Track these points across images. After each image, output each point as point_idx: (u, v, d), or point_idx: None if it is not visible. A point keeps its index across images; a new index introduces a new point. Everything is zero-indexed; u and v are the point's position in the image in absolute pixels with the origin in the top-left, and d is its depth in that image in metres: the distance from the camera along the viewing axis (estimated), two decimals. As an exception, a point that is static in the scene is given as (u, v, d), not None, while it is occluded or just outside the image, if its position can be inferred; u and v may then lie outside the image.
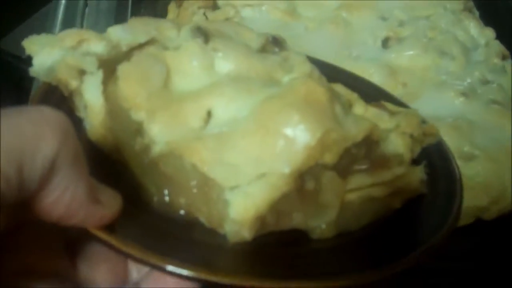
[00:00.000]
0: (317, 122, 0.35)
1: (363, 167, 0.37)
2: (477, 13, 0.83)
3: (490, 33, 0.80)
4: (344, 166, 0.36)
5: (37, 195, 0.29)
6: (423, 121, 0.41)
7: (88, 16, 0.71)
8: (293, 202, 0.36)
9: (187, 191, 0.36)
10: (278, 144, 0.35)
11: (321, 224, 0.37)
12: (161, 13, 0.77)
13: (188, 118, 0.37)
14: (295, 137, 0.34)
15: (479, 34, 0.79)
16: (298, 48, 0.73)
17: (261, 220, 0.35)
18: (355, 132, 0.36)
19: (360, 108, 0.39)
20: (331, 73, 0.43)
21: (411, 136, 0.39)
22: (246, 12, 0.76)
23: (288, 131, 0.35)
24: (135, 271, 0.37)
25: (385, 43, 0.77)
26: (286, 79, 0.40)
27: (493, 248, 0.58)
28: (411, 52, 0.75)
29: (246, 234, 0.35)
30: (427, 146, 0.41)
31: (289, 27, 0.77)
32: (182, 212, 0.37)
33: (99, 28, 0.70)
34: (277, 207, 0.35)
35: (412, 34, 0.77)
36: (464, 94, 0.70)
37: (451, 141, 0.63)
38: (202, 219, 0.36)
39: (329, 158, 0.35)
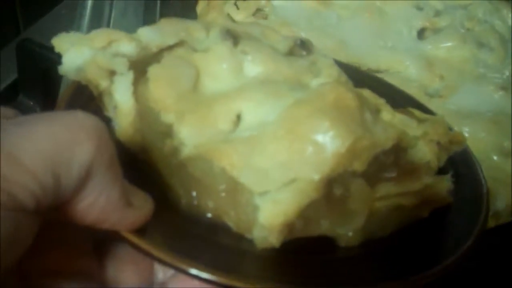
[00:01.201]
0: (347, 128, 0.34)
1: (392, 175, 0.36)
2: (514, 1, 0.80)
3: (527, 23, 0.77)
4: (372, 173, 0.36)
5: (71, 200, 0.29)
6: (450, 128, 0.40)
7: (117, 3, 0.71)
8: (321, 209, 0.35)
9: (215, 194, 0.36)
10: (307, 150, 0.34)
11: (348, 231, 0.36)
12: (191, 4, 0.76)
13: (217, 121, 0.37)
14: (325, 144, 0.34)
15: (517, 24, 0.76)
16: (331, 38, 0.73)
17: (289, 226, 0.34)
18: (384, 139, 0.35)
19: (387, 114, 0.38)
20: (357, 77, 0.42)
21: (438, 143, 0.38)
22: (277, 1, 0.75)
23: (318, 138, 0.34)
24: (161, 272, 0.37)
25: (421, 34, 0.74)
26: (314, 83, 0.39)
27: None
28: (449, 44, 0.72)
29: (275, 240, 0.34)
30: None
31: (321, 16, 0.75)
32: (209, 215, 0.37)
33: (128, 17, 0.70)
34: (305, 213, 0.34)
35: (449, 24, 0.74)
36: (503, 88, 0.68)
37: (491, 136, 0.62)
38: (230, 223, 0.36)
39: (358, 165, 0.34)
